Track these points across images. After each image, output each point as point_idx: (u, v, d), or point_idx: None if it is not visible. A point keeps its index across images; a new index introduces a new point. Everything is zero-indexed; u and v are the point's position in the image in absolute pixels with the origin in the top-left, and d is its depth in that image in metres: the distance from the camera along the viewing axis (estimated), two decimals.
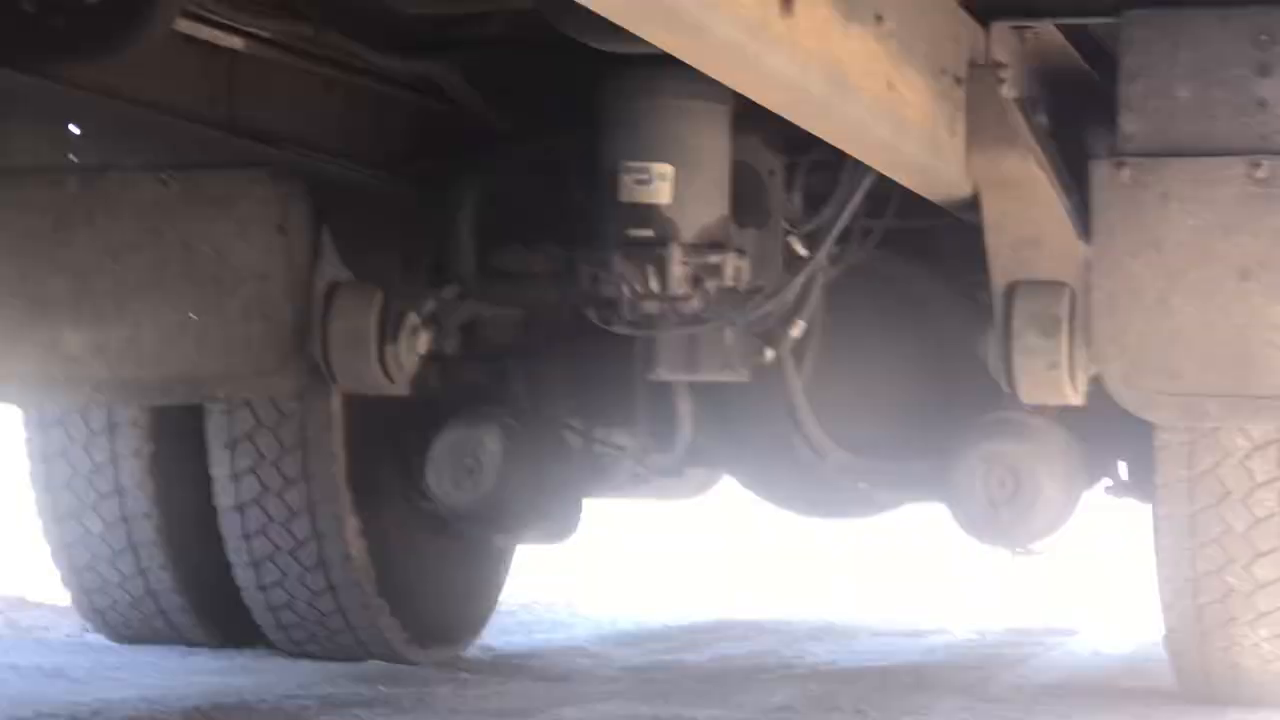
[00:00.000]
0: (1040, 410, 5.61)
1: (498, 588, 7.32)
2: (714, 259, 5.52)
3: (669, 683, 6.34)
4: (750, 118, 4.84)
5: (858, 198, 5.57)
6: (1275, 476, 5.58)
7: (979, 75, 4.97)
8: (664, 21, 2.89)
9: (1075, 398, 5.34)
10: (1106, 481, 6.34)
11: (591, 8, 2.39)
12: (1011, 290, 5.33)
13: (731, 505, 7.25)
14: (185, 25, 4.76)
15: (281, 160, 5.61)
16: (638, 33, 2.75)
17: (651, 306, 5.51)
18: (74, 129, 5.83)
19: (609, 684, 6.24)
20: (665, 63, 3.51)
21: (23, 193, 5.78)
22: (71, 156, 5.81)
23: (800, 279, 5.67)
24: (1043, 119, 5.29)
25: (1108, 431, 5.91)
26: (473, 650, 7.04)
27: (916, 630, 8.49)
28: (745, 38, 3.24)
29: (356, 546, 6.35)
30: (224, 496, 6.31)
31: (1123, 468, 6.34)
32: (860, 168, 5.30)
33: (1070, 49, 5.41)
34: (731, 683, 6.33)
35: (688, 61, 3.03)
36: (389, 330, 5.56)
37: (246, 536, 6.31)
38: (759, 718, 5.49)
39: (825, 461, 6.06)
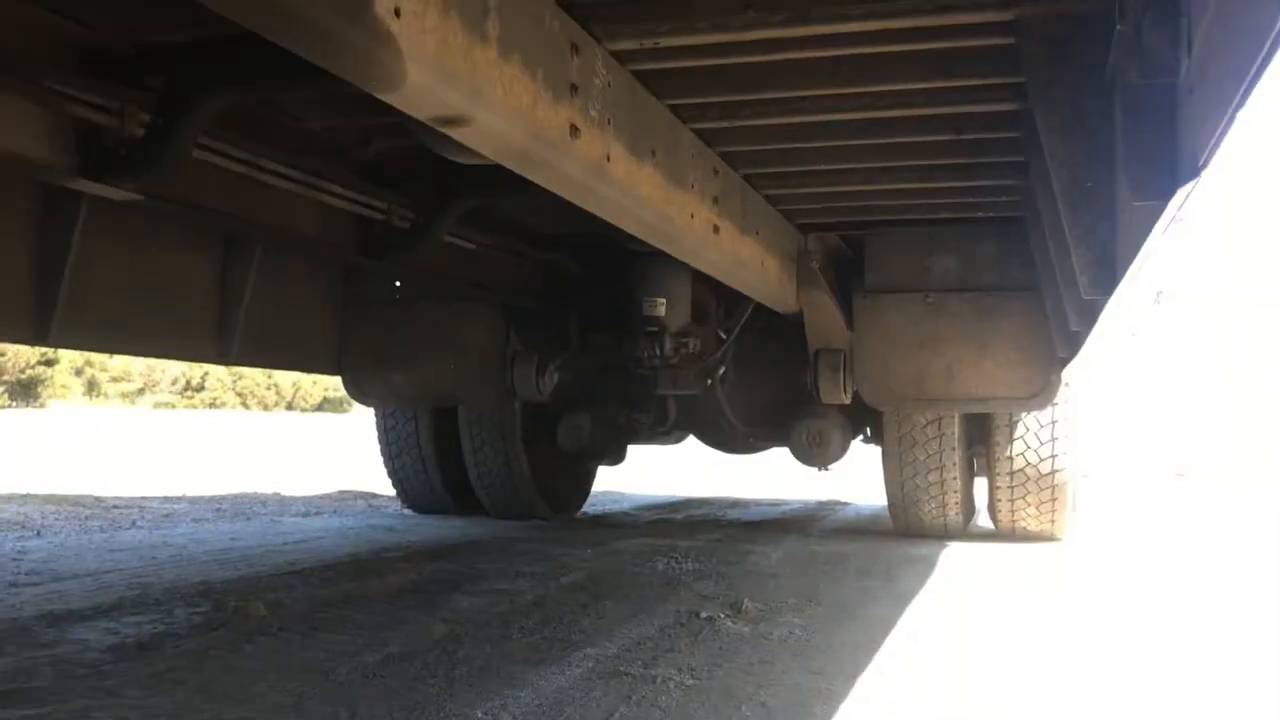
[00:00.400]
0: (831, 405, 5.70)
1: (589, 486, 7.48)
2: (684, 340, 5.71)
3: (666, 528, 6.54)
4: (701, 276, 4.73)
5: (747, 313, 5.75)
6: (934, 436, 5.80)
7: (802, 257, 5.11)
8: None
9: (846, 400, 5.62)
10: (861, 436, 6.45)
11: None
12: (817, 353, 5.52)
13: (693, 447, 7.31)
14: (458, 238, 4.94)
15: (492, 294, 5.67)
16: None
17: (657, 361, 5.65)
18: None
19: (638, 528, 6.46)
20: (662, 253, 3.82)
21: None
22: (396, 283, 5.81)
23: (723, 348, 5.90)
24: (830, 274, 5.33)
25: (861, 414, 6.00)
26: (579, 514, 7.23)
27: (779, 502, 8.65)
28: (699, 247, 3.72)
29: (524, 466, 6.45)
30: (466, 444, 6.46)
31: (868, 430, 6.45)
32: (746, 299, 5.46)
33: (842, 243, 5.47)
34: (694, 528, 6.55)
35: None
36: (540, 373, 5.69)
37: (476, 462, 6.46)
38: (707, 543, 5.63)
39: (734, 428, 6.28)
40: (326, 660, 2.81)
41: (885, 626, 3.40)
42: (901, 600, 3.91)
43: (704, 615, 3.47)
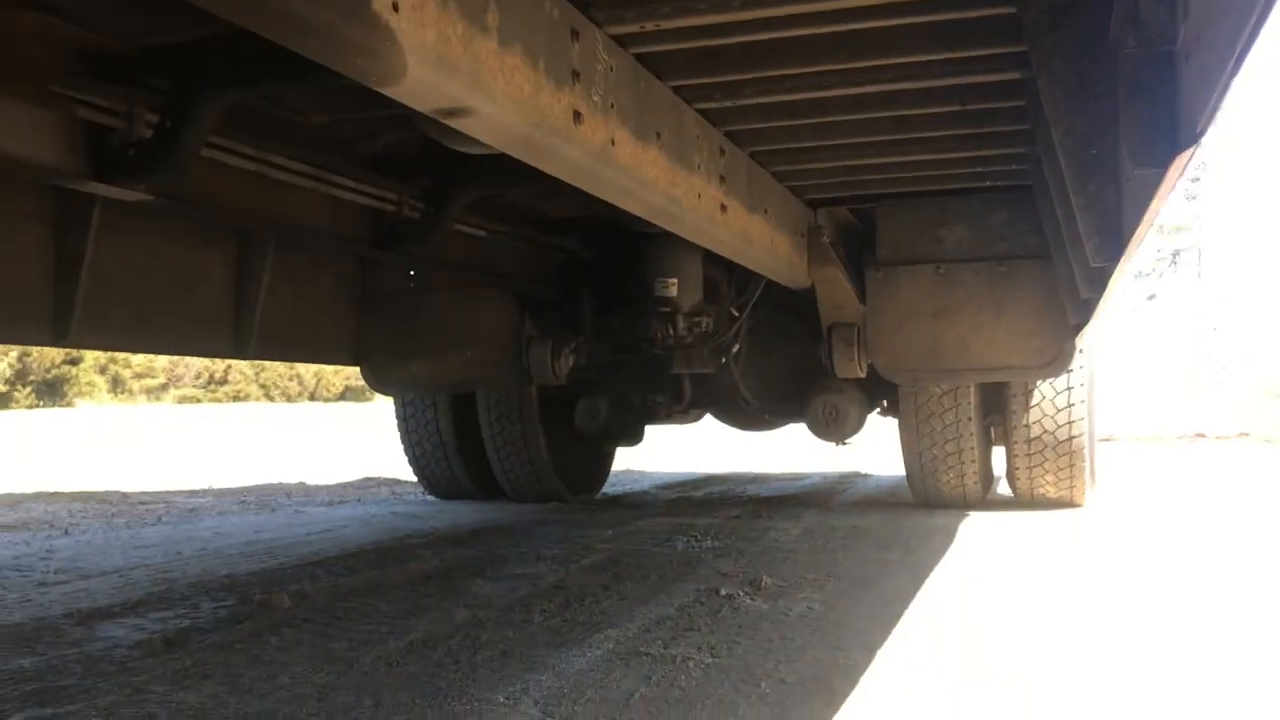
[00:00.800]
0: (846, 379, 5.71)
1: (608, 467, 7.51)
2: (697, 319, 5.69)
3: (691, 505, 6.57)
4: (712, 255, 4.78)
5: (759, 290, 5.73)
6: (950, 406, 5.80)
7: (812, 232, 5.08)
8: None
9: (861, 374, 5.62)
10: (878, 409, 6.44)
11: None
12: (831, 327, 5.51)
13: (710, 426, 7.34)
14: (470, 227, 4.93)
15: (505, 281, 5.72)
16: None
17: (671, 342, 5.65)
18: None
19: (658, 508, 6.46)
20: (672, 234, 3.77)
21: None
22: (411, 274, 5.75)
23: (736, 326, 5.88)
24: (841, 248, 5.30)
25: (877, 386, 6.01)
26: (599, 495, 7.25)
27: (798, 476, 8.65)
28: (707, 227, 3.68)
29: (543, 450, 6.48)
30: (486, 429, 6.51)
31: (884, 403, 6.48)
32: (758, 276, 5.44)
33: (853, 217, 5.45)
34: (713, 505, 6.56)
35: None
36: (555, 357, 5.67)
37: (495, 447, 6.50)
38: (726, 520, 5.65)
39: (750, 405, 6.28)
40: (350, 649, 2.83)
41: (904, 600, 3.40)
42: (920, 573, 3.91)
43: (723, 593, 3.48)
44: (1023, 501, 5.99)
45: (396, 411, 6.75)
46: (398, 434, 6.79)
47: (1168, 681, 2.49)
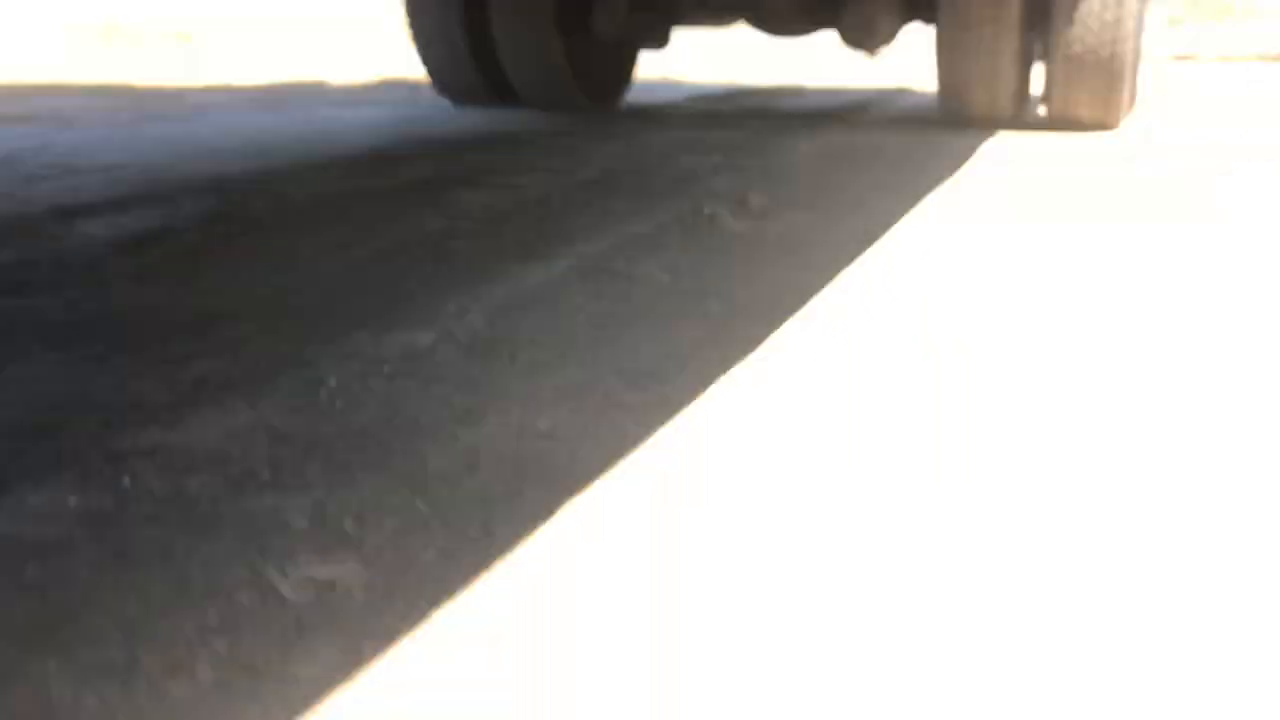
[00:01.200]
0: None
1: (630, 73, 7.30)
2: None
3: (713, 119, 6.45)
4: None
5: None
6: (990, 18, 5.51)
7: None
8: None
9: None
10: (921, 19, 6.15)
11: None
12: None
13: (745, 36, 7.07)
14: None
15: None
16: None
17: None
18: None
19: (682, 119, 6.37)
20: None
21: None
22: None
23: None
24: None
25: None
26: (627, 104, 7.12)
27: (841, 91, 8.44)
28: None
29: (559, 54, 6.29)
30: (498, 30, 6.29)
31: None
32: None
33: None
34: (739, 119, 6.44)
35: None
36: None
37: (508, 50, 6.35)
38: (743, 135, 5.52)
39: (782, 10, 6.02)
40: (316, 254, 2.89)
41: (890, 222, 3.36)
42: (919, 194, 3.83)
43: (707, 212, 3.46)
44: (1055, 123, 5.81)
45: (406, 10, 6.48)
46: (410, 33, 6.57)
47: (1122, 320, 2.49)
